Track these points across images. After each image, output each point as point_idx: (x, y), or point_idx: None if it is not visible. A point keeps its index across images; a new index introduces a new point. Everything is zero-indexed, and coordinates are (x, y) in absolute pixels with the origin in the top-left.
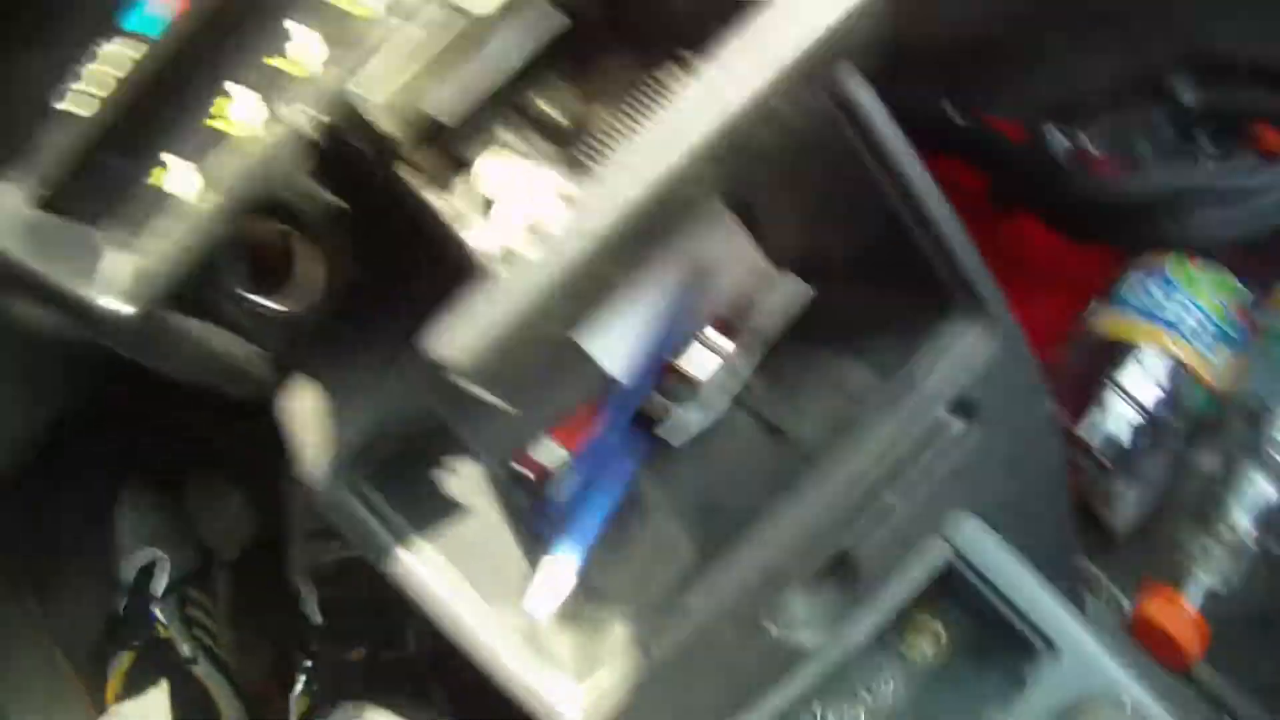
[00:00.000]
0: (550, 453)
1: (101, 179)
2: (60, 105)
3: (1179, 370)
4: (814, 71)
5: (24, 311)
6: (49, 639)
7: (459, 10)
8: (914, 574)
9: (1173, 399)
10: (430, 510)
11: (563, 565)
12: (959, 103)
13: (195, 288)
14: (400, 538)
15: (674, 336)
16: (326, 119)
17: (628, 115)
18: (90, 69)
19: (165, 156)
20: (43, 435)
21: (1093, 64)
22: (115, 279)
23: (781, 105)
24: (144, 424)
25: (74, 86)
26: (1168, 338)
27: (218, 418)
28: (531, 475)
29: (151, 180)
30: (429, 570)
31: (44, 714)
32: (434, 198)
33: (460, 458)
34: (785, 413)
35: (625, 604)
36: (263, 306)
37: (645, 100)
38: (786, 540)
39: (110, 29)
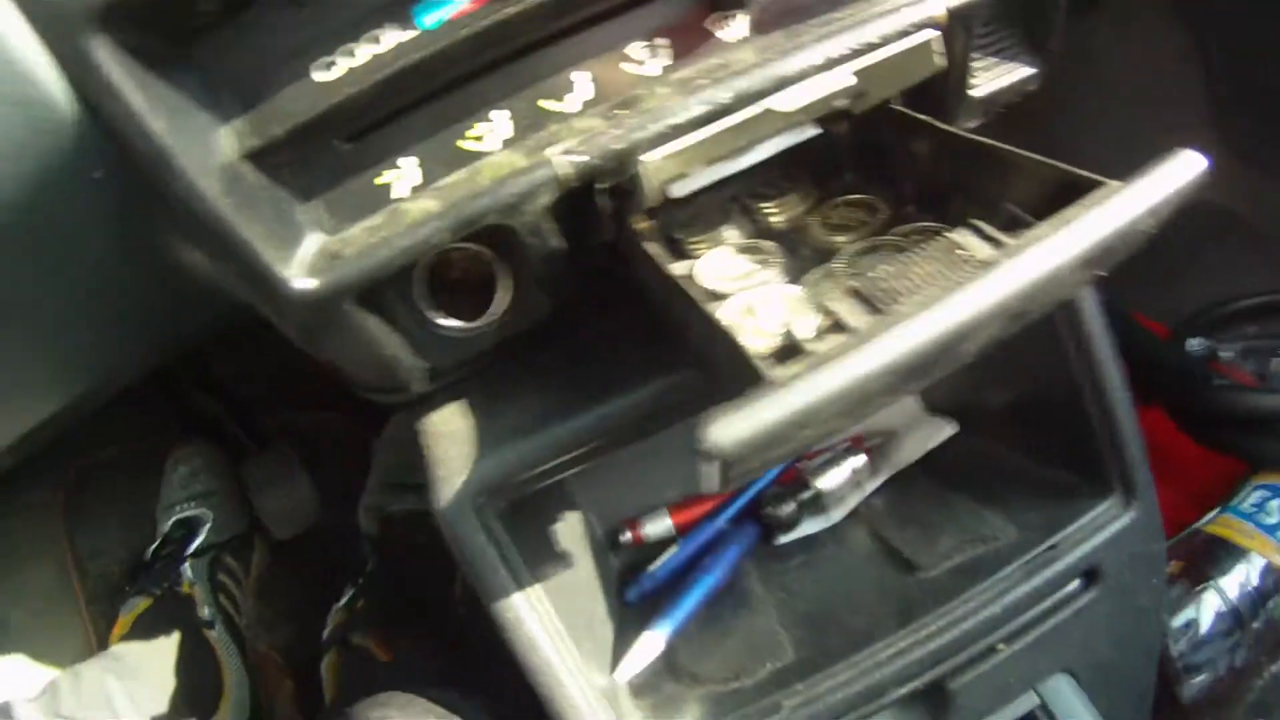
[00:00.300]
0: (657, 525)
1: (324, 159)
2: (316, 75)
3: (1270, 575)
4: (1111, 257)
5: (190, 257)
6: (70, 564)
7: (764, 107)
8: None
9: (1260, 600)
10: (539, 556)
11: (653, 640)
12: (1111, 294)
13: (382, 290)
14: (515, 577)
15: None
16: (591, 164)
17: (912, 259)
18: (364, 50)
19: (403, 160)
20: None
21: (1241, 281)
22: (310, 260)
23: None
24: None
25: (339, 62)
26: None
27: (308, 401)
28: (633, 542)
29: (380, 179)
30: (533, 615)
31: (45, 633)
32: (674, 267)
33: (567, 511)
34: (912, 543)
35: (708, 688)
36: (446, 324)
37: (932, 249)
38: (893, 662)
39: (403, 17)
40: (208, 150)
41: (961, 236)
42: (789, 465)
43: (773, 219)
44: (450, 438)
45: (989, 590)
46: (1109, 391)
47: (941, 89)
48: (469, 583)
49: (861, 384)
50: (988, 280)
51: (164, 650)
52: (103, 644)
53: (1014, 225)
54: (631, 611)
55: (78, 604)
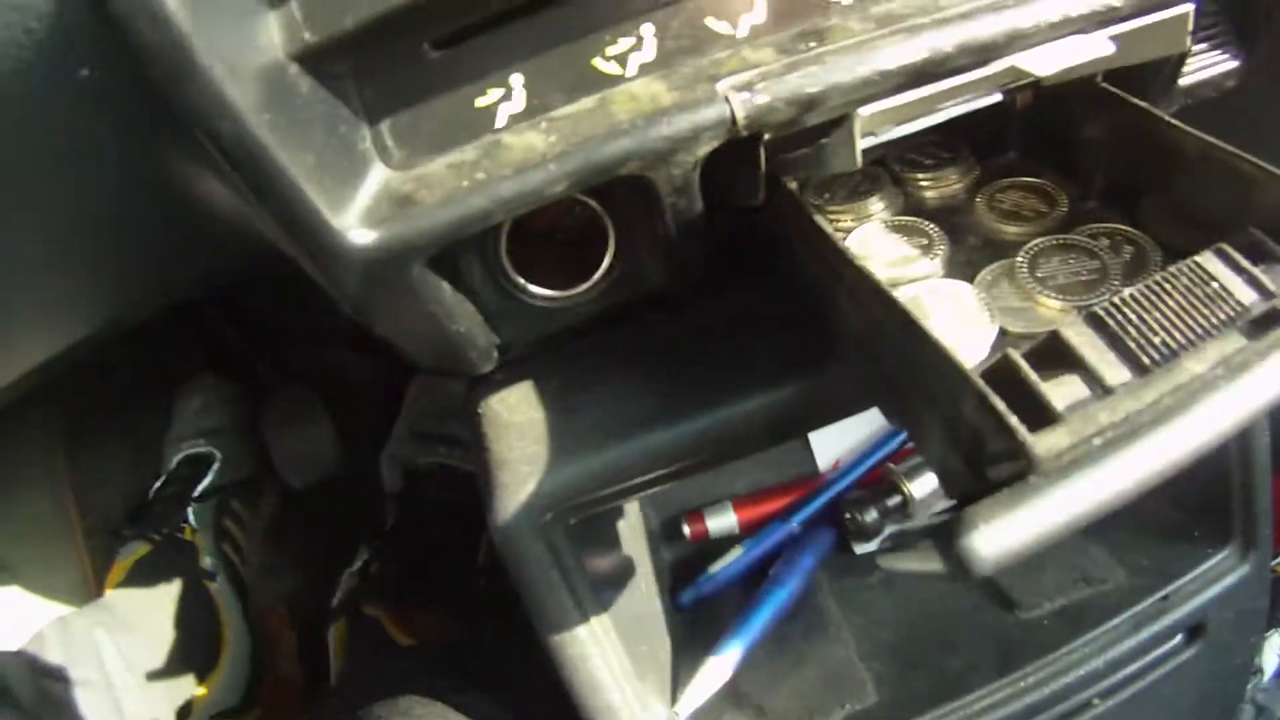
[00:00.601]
0: (722, 520)
1: (404, 67)
2: None
3: None
4: None
5: (212, 193)
6: (69, 494)
7: (1009, 64)
8: None
9: None
10: (599, 561)
11: (720, 667)
12: None
13: (462, 247)
14: (579, 605)
15: (896, 445)
16: (774, 107)
17: (1158, 290)
18: None
19: (515, 78)
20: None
21: None
22: (373, 205)
23: None
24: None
25: None
26: None
27: (339, 337)
28: (692, 537)
29: (481, 100)
30: (598, 652)
31: (38, 564)
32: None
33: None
34: (1010, 574)
35: None
36: (537, 292)
37: (1180, 279)
38: (987, 715)
39: None
40: (243, 44)
41: (1211, 265)
42: (875, 465)
43: (928, 193)
44: (517, 432)
45: (1095, 642)
46: (1256, 433)
47: (1154, 72)
48: (509, 574)
49: (1144, 481)
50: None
51: (161, 602)
52: (100, 579)
53: (1262, 257)
54: (684, 619)
55: (74, 536)
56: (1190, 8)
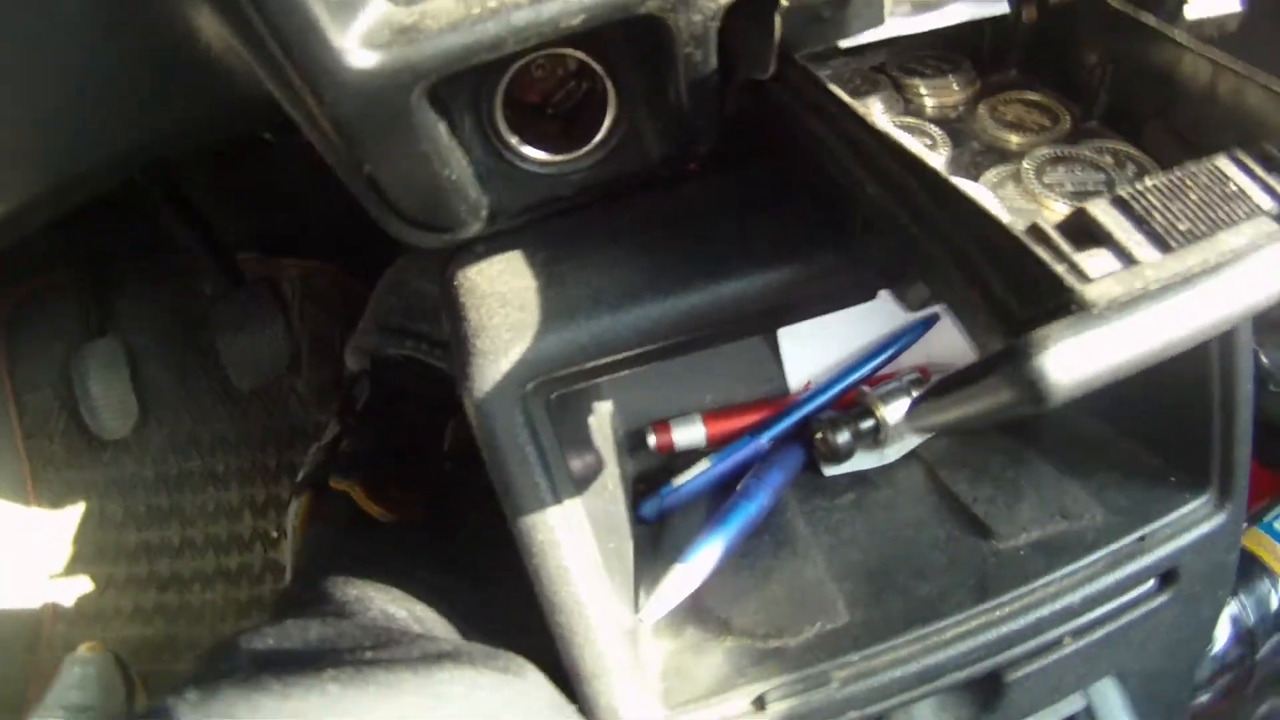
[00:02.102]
0: (690, 432)
1: None
2: None
3: None
4: None
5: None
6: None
7: None
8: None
9: (1274, 628)
10: (572, 459)
11: (689, 574)
12: None
13: (461, 87)
14: (555, 490)
15: (870, 368)
16: None
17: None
18: None
19: None
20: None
21: None
22: (374, 29)
23: None
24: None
25: None
26: None
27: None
28: (658, 448)
29: None
30: (570, 540)
31: None
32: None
33: (598, 403)
34: (987, 503)
35: (742, 641)
36: (529, 154)
37: (1199, 178)
38: (959, 643)
39: None
40: None
41: (1228, 169)
42: (849, 387)
43: (927, 101)
44: (499, 299)
45: (1071, 576)
46: (1240, 381)
47: None
48: (483, 450)
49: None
50: None
51: None
52: (36, 480)
53: (1276, 169)
54: (644, 534)
55: (14, 438)
56: None
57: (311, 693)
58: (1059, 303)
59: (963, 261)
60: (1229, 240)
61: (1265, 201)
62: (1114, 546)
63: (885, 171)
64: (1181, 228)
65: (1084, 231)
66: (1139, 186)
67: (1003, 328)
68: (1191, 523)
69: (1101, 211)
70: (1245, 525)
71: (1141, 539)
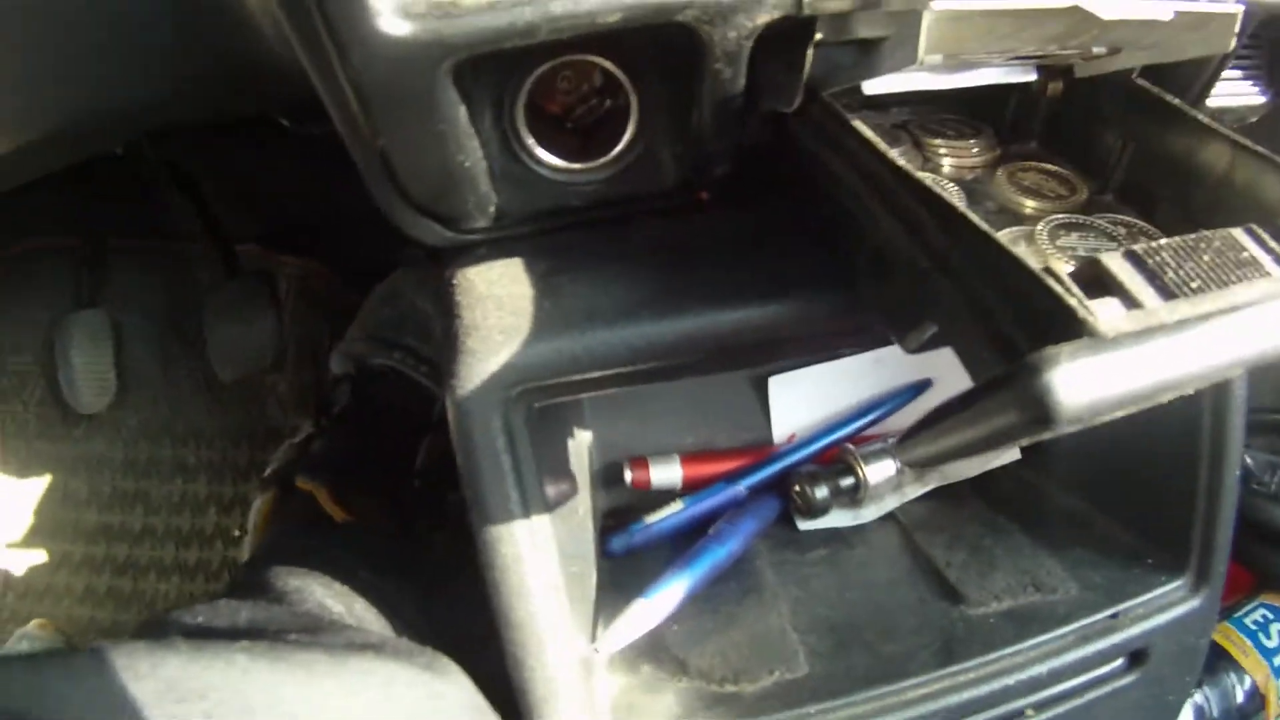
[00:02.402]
0: (667, 472)
1: None
2: None
3: (1256, 698)
4: None
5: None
6: None
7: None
8: None
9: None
10: (545, 478)
11: (650, 610)
12: None
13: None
14: (524, 503)
15: (856, 427)
16: None
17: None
18: None
19: None
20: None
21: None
22: (408, 2)
23: None
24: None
25: None
26: (1270, 676)
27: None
28: (633, 484)
29: None
30: (534, 557)
31: None
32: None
33: (578, 429)
34: (961, 569)
35: (697, 684)
36: (544, 157)
37: (1214, 244)
38: (921, 704)
39: None
40: None
41: (1241, 239)
42: (833, 444)
43: (946, 161)
44: (495, 302)
45: (1040, 648)
46: (1229, 465)
47: (1190, 77)
48: (458, 455)
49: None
50: None
51: None
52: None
53: None
54: (609, 569)
55: None
56: (1240, 9)
57: (218, 659)
58: (1068, 336)
59: (971, 297)
60: (1238, 294)
61: (1276, 270)
62: (1085, 621)
63: (901, 206)
64: (1193, 285)
65: (1096, 280)
66: (1153, 244)
67: (1005, 364)
68: (1166, 604)
69: (1114, 262)
70: (1218, 618)
71: (1114, 616)
